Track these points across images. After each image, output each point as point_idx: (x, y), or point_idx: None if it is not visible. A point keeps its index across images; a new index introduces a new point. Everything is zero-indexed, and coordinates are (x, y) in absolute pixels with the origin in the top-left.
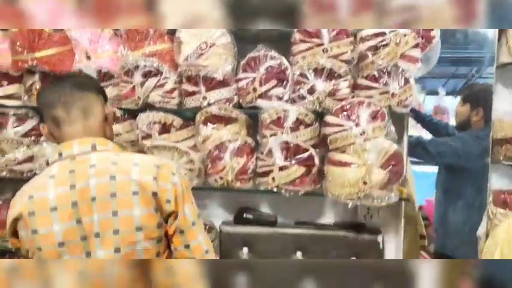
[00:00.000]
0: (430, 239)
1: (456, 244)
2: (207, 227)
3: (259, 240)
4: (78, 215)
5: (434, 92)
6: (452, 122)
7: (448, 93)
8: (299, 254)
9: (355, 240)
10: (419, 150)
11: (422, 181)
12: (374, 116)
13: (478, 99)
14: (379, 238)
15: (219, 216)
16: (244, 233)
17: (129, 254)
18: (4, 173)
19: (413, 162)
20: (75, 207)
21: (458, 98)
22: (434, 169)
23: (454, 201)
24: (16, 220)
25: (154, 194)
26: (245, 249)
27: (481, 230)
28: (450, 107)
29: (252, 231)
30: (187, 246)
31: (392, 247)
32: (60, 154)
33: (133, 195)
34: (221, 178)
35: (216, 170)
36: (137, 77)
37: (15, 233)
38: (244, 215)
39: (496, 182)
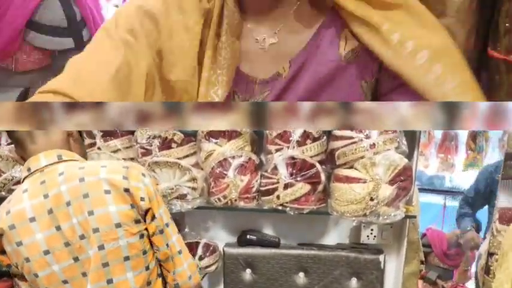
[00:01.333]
0: (431, 266)
1: None
2: (211, 248)
3: (262, 261)
4: (57, 222)
5: None
6: None
7: None
8: (301, 275)
9: (357, 260)
10: None
11: (426, 212)
12: None
13: None
14: (381, 258)
15: (223, 238)
16: (248, 254)
17: (114, 251)
18: (3, 193)
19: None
20: (51, 214)
21: None
22: (438, 200)
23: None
24: (0, 237)
25: (127, 190)
26: (248, 270)
27: (482, 247)
28: None
29: (255, 252)
30: (167, 245)
31: (393, 267)
32: (29, 169)
33: (106, 194)
34: (224, 197)
35: (220, 189)
36: None
37: (3, 252)
38: (248, 237)
39: (504, 199)
